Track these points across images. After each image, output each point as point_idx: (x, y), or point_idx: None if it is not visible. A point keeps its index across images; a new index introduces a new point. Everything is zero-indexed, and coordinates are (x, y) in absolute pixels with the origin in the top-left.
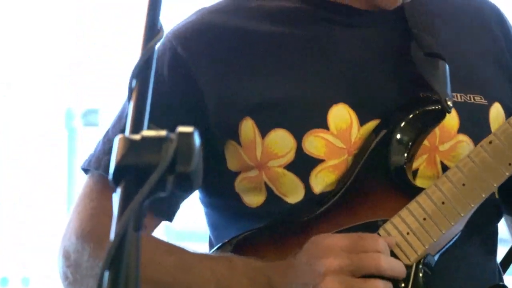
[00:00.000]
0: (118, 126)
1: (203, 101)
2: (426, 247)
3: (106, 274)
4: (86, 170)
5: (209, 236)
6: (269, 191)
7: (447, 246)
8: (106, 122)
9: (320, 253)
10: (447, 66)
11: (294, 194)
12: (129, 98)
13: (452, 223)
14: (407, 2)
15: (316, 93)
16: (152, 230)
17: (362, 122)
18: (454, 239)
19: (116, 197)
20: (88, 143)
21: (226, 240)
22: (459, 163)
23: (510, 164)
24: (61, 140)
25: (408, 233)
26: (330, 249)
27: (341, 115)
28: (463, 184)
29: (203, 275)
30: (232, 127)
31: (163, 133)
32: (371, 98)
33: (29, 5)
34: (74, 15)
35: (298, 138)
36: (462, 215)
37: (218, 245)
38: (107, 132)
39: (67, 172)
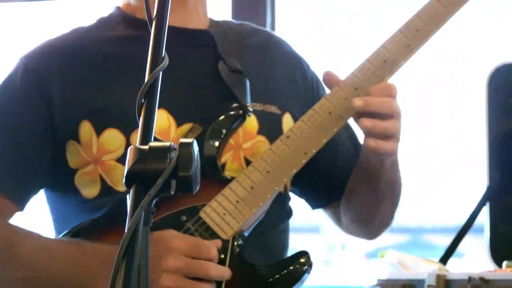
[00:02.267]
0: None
1: (51, 105)
2: (241, 224)
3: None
4: None
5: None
6: (103, 182)
7: (256, 223)
8: None
9: (162, 252)
10: (247, 81)
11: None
12: (139, 114)
13: (261, 203)
14: (215, 31)
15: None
16: (9, 217)
17: (179, 124)
18: (261, 217)
19: (128, 198)
20: None
21: (67, 231)
22: (263, 155)
23: (305, 153)
24: None
25: (224, 214)
26: (171, 250)
27: (161, 118)
28: (268, 172)
29: (60, 255)
30: (73, 128)
31: (167, 144)
32: (186, 104)
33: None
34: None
35: (127, 135)
36: (269, 196)
37: (59, 236)
38: None
39: None
